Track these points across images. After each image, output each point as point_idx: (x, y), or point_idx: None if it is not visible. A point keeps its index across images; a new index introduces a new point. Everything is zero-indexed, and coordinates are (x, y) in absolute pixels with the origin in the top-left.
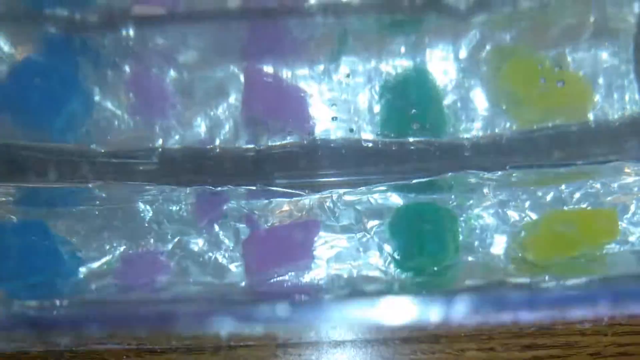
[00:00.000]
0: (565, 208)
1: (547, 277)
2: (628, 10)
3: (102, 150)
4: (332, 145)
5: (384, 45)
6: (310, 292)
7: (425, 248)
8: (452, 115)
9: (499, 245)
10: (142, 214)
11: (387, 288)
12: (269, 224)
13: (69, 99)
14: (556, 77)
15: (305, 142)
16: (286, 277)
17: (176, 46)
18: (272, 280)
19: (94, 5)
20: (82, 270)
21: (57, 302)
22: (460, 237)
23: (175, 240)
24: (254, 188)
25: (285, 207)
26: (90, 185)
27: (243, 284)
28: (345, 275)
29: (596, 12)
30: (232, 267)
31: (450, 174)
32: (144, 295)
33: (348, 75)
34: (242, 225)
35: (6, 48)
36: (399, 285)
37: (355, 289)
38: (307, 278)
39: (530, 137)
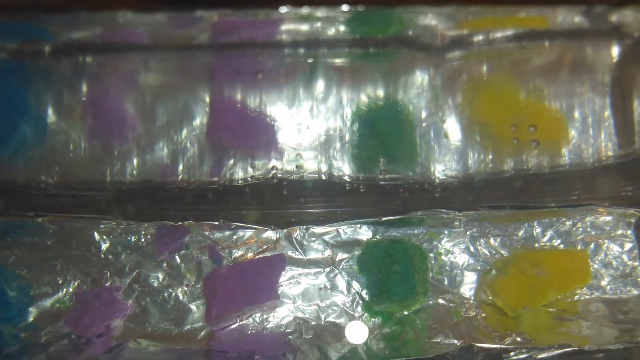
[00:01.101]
0: (537, 245)
1: (519, 339)
2: (606, 50)
3: (52, 181)
4: (299, 178)
5: (356, 76)
6: (271, 347)
7: (394, 293)
8: (424, 146)
9: (468, 285)
10: (97, 244)
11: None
12: (234, 257)
13: (19, 123)
14: (530, 134)
15: (270, 174)
16: (250, 321)
17: (137, 69)
18: (233, 326)
19: (49, 38)
20: (32, 310)
21: None
22: (430, 275)
23: (134, 273)
24: (216, 223)
25: (251, 239)
26: (39, 220)
27: (203, 332)
28: (313, 322)
29: (575, 51)
30: (193, 306)
31: (420, 212)
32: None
33: (315, 112)
34: (204, 258)
35: None
36: (365, 345)
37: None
38: (271, 323)
39: (502, 178)
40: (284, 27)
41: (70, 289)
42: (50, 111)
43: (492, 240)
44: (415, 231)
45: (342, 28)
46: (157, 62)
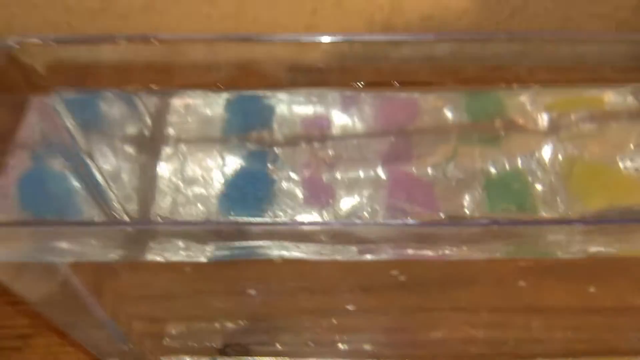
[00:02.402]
0: None
1: None
2: None
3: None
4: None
5: (485, 153)
6: None
7: None
8: (542, 203)
9: None
10: None
11: None
12: None
13: (260, 190)
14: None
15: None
16: None
17: (338, 156)
18: None
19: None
20: None
21: None
22: None
23: None
24: None
25: None
26: None
27: None
28: None
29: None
30: None
31: None
32: None
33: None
34: None
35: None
36: None
37: None
38: None
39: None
40: None
41: None
42: (282, 186)
43: None
44: None
45: None
46: (349, 150)
